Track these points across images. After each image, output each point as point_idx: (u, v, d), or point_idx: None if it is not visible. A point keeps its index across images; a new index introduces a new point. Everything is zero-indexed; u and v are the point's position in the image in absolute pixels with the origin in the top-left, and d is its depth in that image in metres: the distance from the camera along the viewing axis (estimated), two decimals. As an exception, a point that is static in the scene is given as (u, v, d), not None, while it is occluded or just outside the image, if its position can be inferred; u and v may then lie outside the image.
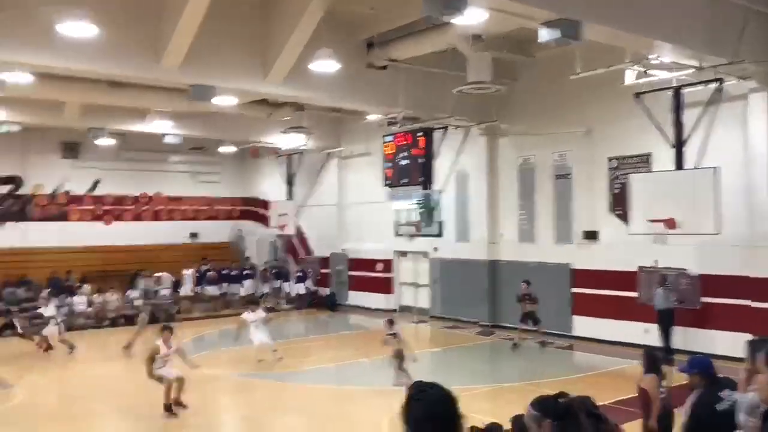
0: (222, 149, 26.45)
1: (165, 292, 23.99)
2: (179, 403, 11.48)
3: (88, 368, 16.20)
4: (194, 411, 11.57)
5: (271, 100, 19.87)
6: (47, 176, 25.67)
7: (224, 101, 16.41)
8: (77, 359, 16.95)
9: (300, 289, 26.16)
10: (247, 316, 15.81)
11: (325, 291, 26.09)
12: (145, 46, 13.00)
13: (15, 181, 25.19)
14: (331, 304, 25.32)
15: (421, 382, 2.89)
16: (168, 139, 22.13)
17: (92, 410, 12.34)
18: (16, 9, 11.62)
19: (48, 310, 17.69)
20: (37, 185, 25.63)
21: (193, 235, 28.61)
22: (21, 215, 25.16)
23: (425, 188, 21.75)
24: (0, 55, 12.08)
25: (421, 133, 21.71)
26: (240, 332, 15.79)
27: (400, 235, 23.20)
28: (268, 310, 17.14)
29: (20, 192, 25.30)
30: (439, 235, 21.63)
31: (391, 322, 12.42)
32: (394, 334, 12.17)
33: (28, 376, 14.69)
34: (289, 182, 27.67)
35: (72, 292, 22.45)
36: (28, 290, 22.40)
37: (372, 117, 20.66)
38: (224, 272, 25.94)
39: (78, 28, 11.20)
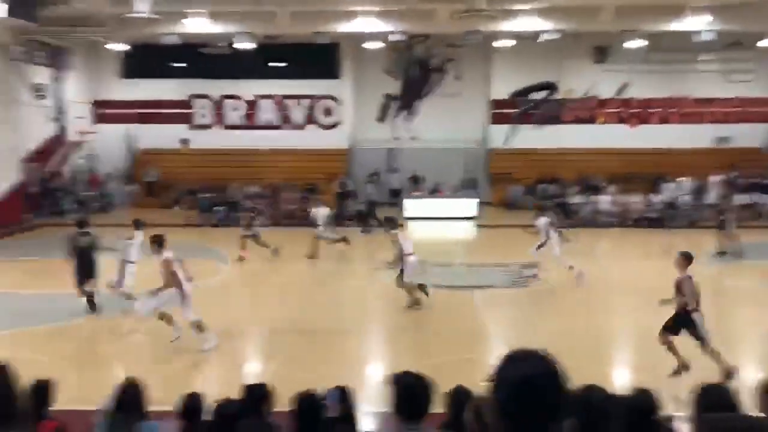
0: (761, 44, 23.64)
1: (686, 198, 23.22)
2: None
3: (613, 263, 17.11)
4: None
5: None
6: (579, 81, 27.25)
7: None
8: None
9: None
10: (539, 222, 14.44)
11: None
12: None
13: (550, 86, 27.47)
14: None
15: None
16: (703, 36, 20.78)
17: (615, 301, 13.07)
18: None
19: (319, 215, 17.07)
20: (568, 90, 27.45)
21: (723, 140, 26.76)
22: (555, 118, 27.48)
23: None
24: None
25: None
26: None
27: None
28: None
29: (554, 97, 27.52)
30: None
31: None
32: None
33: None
34: None
35: (598, 191, 23.65)
36: (559, 187, 24.57)
37: None
38: (755, 181, 23.69)
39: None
